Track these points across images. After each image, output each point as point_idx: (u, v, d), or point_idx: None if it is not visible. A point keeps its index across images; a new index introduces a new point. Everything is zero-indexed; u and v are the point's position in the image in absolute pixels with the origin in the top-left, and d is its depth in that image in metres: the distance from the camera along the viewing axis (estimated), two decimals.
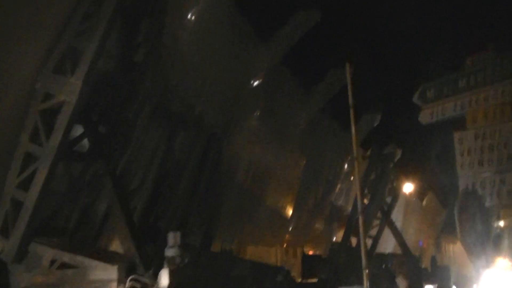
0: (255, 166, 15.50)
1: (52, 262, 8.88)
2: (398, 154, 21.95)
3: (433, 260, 22.93)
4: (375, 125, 19.84)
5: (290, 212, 17.80)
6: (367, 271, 9.08)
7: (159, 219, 12.42)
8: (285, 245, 18.39)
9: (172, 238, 8.36)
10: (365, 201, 20.44)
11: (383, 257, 21.34)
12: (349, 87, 11.85)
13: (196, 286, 9.37)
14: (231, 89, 14.11)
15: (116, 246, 10.71)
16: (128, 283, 8.26)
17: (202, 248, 12.72)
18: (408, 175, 23.60)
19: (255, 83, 14.73)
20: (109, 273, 8.40)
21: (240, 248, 17.90)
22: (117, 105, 10.44)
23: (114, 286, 8.23)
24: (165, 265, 8.43)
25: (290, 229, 17.87)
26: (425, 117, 14.49)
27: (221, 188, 13.81)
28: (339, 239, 20.09)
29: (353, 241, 19.71)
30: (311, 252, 20.54)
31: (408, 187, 24.67)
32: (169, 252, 8.32)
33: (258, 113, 15.22)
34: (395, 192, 21.57)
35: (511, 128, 12.75)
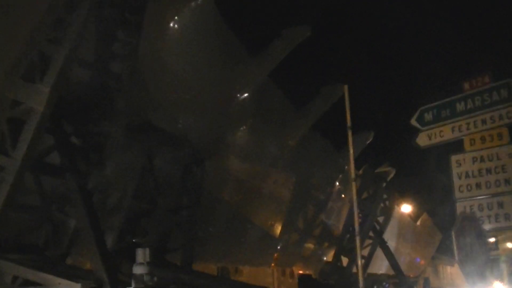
0: (242, 184, 15.05)
1: (15, 279, 8.43)
2: (392, 173, 21.58)
3: (426, 281, 22.46)
4: (368, 143, 19.44)
5: (279, 231, 17.30)
6: None
7: (139, 237, 11.97)
8: (273, 265, 17.89)
9: (141, 254, 7.87)
10: (358, 221, 20.00)
11: (375, 277, 20.88)
12: (346, 109, 11.69)
13: None
14: (217, 103, 13.71)
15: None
16: None
17: (183, 266, 12.24)
18: (401, 195, 23.19)
19: (242, 98, 14.34)
20: None
21: (237, 268, 17.49)
22: (93, 116, 10.06)
23: None
24: (132, 284, 7.96)
25: (279, 248, 17.35)
26: (423, 140, 14.37)
27: (206, 206, 13.37)
28: (330, 259, 19.61)
29: (344, 261, 19.28)
30: (301, 272, 20.04)
31: (403, 208, 24.25)
32: (137, 270, 7.82)
33: (246, 129, 14.80)
34: (388, 212, 21.13)
35: (508, 151, 12.38)
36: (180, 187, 12.53)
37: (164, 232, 12.26)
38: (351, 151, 12.35)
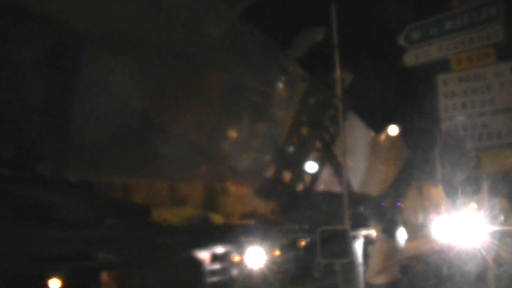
0: (149, 84, 12.52)
1: None
2: (349, 79, 19.08)
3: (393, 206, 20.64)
4: (318, 40, 16.82)
5: (204, 140, 14.93)
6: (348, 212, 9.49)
7: None
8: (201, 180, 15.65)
9: None
10: (304, 131, 17.72)
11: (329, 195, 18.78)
12: (333, 27, 10.37)
13: None
14: None
15: None
16: None
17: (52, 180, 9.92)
18: (361, 105, 20.79)
19: None
20: None
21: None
22: None
23: None
24: None
25: (206, 160, 15.05)
26: (410, 59, 14.01)
27: (90, 108, 10.92)
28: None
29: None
30: (238, 189, 17.99)
31: (363, 119, 22.04)
32: None
33: (150, 16, 12.13)
34: (340, 122, 18.71)
35: (495, 71, 12.22)
36: (51, 82, 9.98)
37: (29, 138, 9.83)
38: (338, 72, 10.59)
